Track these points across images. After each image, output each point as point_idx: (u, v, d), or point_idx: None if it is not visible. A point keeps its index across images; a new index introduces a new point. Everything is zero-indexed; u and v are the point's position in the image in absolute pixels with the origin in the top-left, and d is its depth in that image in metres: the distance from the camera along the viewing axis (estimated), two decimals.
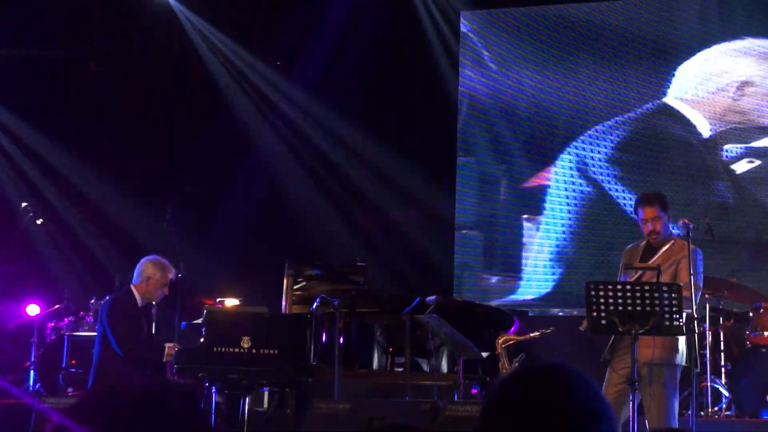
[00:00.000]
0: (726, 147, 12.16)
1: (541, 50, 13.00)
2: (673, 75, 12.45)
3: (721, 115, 12.23)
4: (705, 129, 12.27)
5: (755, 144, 12.07)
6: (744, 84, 12.18)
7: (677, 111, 12.39)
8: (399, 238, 13.32)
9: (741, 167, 12.08)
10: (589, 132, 12.69)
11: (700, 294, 7.89)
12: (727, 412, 9.65)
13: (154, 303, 9.00)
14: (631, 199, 12.15)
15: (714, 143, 12.24)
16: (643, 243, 7.96)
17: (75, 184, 13.65)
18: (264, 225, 13.73)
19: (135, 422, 2.03)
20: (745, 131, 12.16)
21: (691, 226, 7.90)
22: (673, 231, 8.15)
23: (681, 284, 7.25)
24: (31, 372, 11.22)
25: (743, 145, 12.11)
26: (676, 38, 12.49)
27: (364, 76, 13.65)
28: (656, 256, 7.77)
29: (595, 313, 7.06)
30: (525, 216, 12.91)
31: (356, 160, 13.67)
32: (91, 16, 13.95)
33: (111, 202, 13.55)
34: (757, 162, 12.05)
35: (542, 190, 12.85)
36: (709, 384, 9.66)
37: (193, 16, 13.95)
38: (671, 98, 12.44)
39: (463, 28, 13.34)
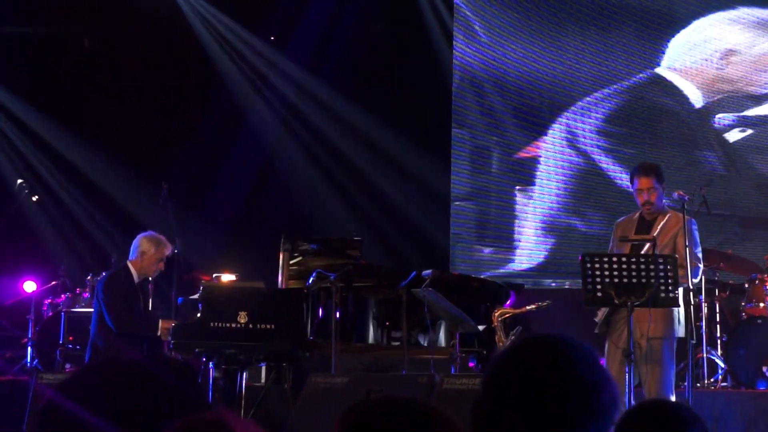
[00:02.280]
0: (717, 116, 12.19)
1: (534, 22, 12.99)
2: (665, 45, 12.45)
3: (710, 84, 12.25)
4: (696, 98, 12.28)
5: (747, 113, 12.08)
6: (729, 52, 12.17)
7: (668, 81, 12.41)
8: (394, 211, 13.33)
9: (733, 136, 12.10)
10: (580, 103, 12.71)
11: (701, 266, 7.90)
12: (723, 383, 9.69)
13: (150, 279, 9.01)
14: (622, 170, 12.20)
15: (705, 113, 12.26)
16: (636, 215, 7.95)
17: (70, 160, 13.64)
18: (259, 200, 13.73)
19: (129, 397, 2.03)
20: (735, 100, 12.18)
21: (686, 198, 7.92)
22: (667, 203, 8.14)
23: (677, 256, 7.26)
24: (29, 348, 11.23)
25: (735, 114, 12.12)
26: (665, 8, 12.48)
27: (357, 50, 13.62)
28: (653, 230, 7.76)
29: (590, 286, 7.08)
30: (518, 187, 12.93)
31: (350, 133, 13.66)
32: None
33: (106, 178, 13.54)
34: (749, 131, 12.06)
35: (534, 161, 12.87)
36: (705, 355, 9.69)
37: None
38: (662, 68, 12.45)
39: (456, 1, 13.31)
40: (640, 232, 7.80)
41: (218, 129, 13.87)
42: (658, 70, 12.46)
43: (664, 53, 12.45)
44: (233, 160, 13.72)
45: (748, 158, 12.08)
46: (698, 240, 7.85)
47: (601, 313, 7.68)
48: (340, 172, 13.63)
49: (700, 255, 7.86)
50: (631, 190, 8.13)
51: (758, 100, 12.05)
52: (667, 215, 7.86)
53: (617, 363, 7.44)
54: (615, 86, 12.60)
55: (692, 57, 12.33)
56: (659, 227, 7.77)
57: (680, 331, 7.64)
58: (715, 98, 12.20)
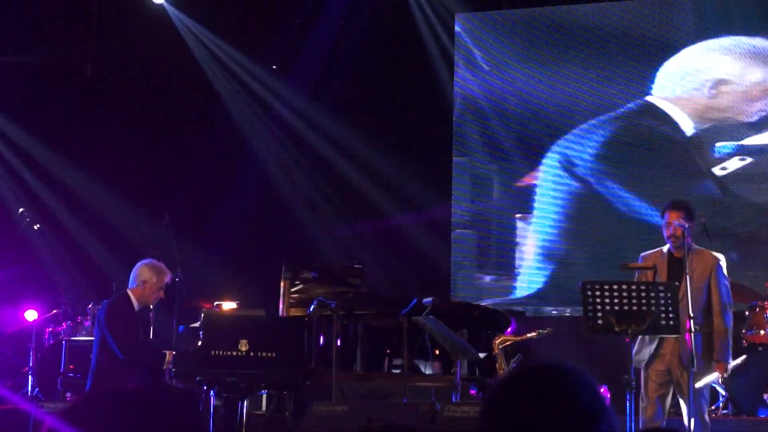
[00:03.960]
0: (714, 145, 12.20)
1: (534, 50, 13.05)
2: (656, 74, 12.51)
3: (702, 112, 12.29)
4: (688, 127, 12.32)
5: (744, 142, 12.10)
6: (719, 82, 12.23)
7: (661, 109, 12.46)
8: (395, 239, 13.34)
9: (733, 164, 12.12)
10: (578, 130, 12.74)
11: (731, 313, 7.94)
12: (725, 411, 9.68)
13: (151, 307, 9.00)
14: (621, 197, 12.25)
15: (700, 141, 12.29)
16: (666, 250, 7.94)
17: (72, 188, 13.66)
18: (261, 228, 13.74)
19: (130, 426, 2.03)
20: (730, 129, 12.21)
21: (686, 225, 7.93)
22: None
23: (677, 284, 7.28)
24: (30, 377, 11.22)
25: (733, 143, 12.15)
26: (661, 38, 12.54)
27: (359, 78, 13.67)
28: (687, 269, 7.71)
29: (591, 313, 7.08)
30: (518, 215, 12.95)
31: (352, 161, 13.68)
32: (87, 21, 13.96)
33: (108, 206, 13.56)
34: (749, 159, 12.08)
35: (534, 188, 12.89)
36: None
37: (189, 21, 13.96)
38: (655, 97, 12.49)
39: (457, 29, 13.37)
40: (672, 269, 7.80)
41: (220, 157, 13.90)
42: (653, 99, 12.51)
43: (653, 81, 12.51)
44: (235, 188, 13.74)
45: (744, 186, 12.10)
46: (728, 283, 7.92)
47: (641, 344, 7.70)
48: (342, 199, 13.66)
49: (730, 298, 7.93)
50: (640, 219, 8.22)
51: (752, 128, 12.09)
52: (700, 254, 7.87)
53: (654, 393, 7.63)
54: (614, 113, 12.64)
55: (685, 86, 12.39)
56: (694, 267, 7.77)
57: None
58: (707, 126, 12.25)
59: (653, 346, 7.70)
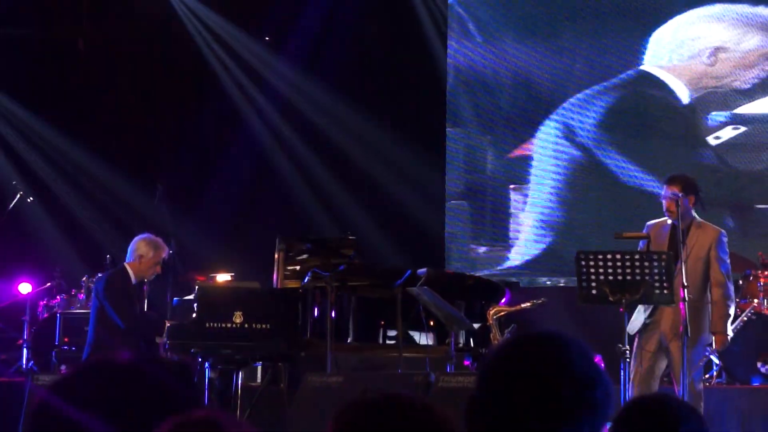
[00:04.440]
0: (710, 113, 12.19)
1: (527, 20, 13.02)
2: (649, 42, 12.48)
3: (697, 80, 12.27)
4: (684, 95, 12.31)
5: (738, 110, 12.10)
6: (717, 50, 12.20)
7: (657, 77, 12.44)
8: (389, 210, 13.33)
9: (726, 134, 12.12)
10: (573, 100, 12.71)
11: (732, 286, 7.96)
12: (718, 380, 9.71)
13: (145, 280, 9.01)
14: (616, 167, 12.28)
15: (696, 109, 12.28)
16: (669, 222, 7.96)
17: (65, 161, 13.64)
18: (254, 200, 13.73)
19: (123, 397, 2.03)
20: (725, 96, 12.20)
21: (680, 195, 7.94)
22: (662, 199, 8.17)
23: (669, 253, 7.30)
24: (24, 350, 11.22)
25: (727, 112, 12.14)
26: (654, 5, 12.51)
27: (352, 50, 13.63)
28: (688, 240, 7.74)
29: (585, 283, 7.10)
30: (512, 186, 12.94)
31: (345, 133, 13.65)
32: None
33: (102, 179, 13.54)
34: (743, 128, 12.08)
35: (528, 158, 12.88)
36: None
37: None
38: (650, 65, 12.47)
39: (450, 0, 13.33)
40: (672, 240, 7.81)
41: (213, 130, 13.88)
42: (648, 67, 12.48)
43: (649, 50, 12.48)
44: (228, 161, 13.72)
45: (739, 155, 12.11)
46: (728, 257, 7.94)
47: (636, 313, 7.72)
48: (335, 171, 13.63)
49: (729, 272, 7.95)
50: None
51: (746, 96, 12.07)
52: (701, 227, 7.88)
53: (647, 361, 7.62)
54: (609, 83, 12.61)
55: (681, 54, 12.37)
56: (695, 239, 7.79)
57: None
58: (704, 94, 12.23)
59: (646, 314, 7.72)
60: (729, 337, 7.91)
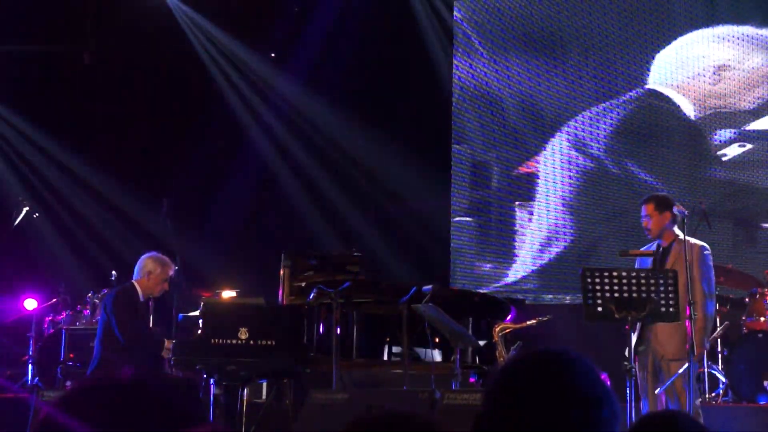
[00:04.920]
0: (717, 130, 12.21)
1: (533, 38, 13.04)
2: (655, 60, 12.52)
3: (703, 100, 12.30)
4: (690, 112, 12.34)
5: (747, 127, 12.11)
6: (721, 68, 12.23)
7: (663, 95, 12.47)
8: (394, 227, 13.33)
9: (732, 151, 12.13)
10: (579, 117, 12.75)
11: (713, 303, 7.97)
12: (725, 398, 9.68)
13: (151, 297, 9.03)
14: (621, 184, 12.30)
15: (701, 127, 12.31)
16: (655, 243, 8.10)
17: (70, 177, 13.65)
18: (259, 216, 13.73)
19: (128, 413, 2.03)
20: (731, 115, 12.22)
21: (685, 213, 7.95)
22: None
23: (676, 271, 7.29)
24: (30, 366, 11.22)
25: (733, 129, 12.16)
26: (658, 25, 12.54)
27: (357, 66, 13.64)
28: (668, 258, 7.85)
29: (591, 300, 7.08)
30: (517, 202, 12.95)
31: (351, 150, 13.66)
32: (85, 10, 13.93)
33: (107, 195, 13.55)
34: (749, 146, 12.09)
35: (533, 175, 12.90)
36: (706, 370, 9.69)
37: (187, 8, 13.94)
38: (654, 84, 12.50)
39: (456, 15, 13.35)
40: (656, 259, 7.91)
41: (218, 145, 13.89)
42: (653, 85, 12.51)
43: (654, 68, 12.53)
44: (233, 177, 13.72)
45: (747, 172, 12.11)
46: (713, 276, 7.95)
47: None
48: (340, 187, 13.64)
49: (713, 290, 7.96)
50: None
51: (754, 114, 12.10)
52: (679, 242, 7.92)
53: (647, 382, 7.73)
54: (614, 101, 12.64)
55: (685, 73, 12.41)
56: (675, 256, 7.86)
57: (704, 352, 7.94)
58: (710, 113, 12.26)
59: (635, 339, 7.76)
60: (703, 351, 7.98)
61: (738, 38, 12.26)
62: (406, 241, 13.22)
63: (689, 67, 12.42)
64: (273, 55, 14.03)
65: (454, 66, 13.31)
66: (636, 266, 8.12)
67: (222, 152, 13.92)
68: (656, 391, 7.59)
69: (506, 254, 12.93)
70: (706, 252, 7.96)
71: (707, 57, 12.34)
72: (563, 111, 12.83)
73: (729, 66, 12.23)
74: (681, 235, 7.93)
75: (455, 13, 13.39)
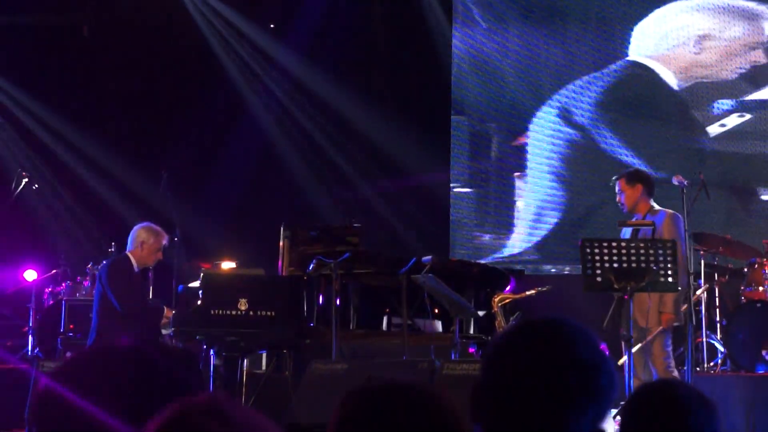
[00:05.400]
0: (707, 100, 12.23)
1: (529, 7, 13.02)
2: (643, 30, 12.53)
3: (685, 69, 12.31)
4: (674, 83, 12.35)
5: (738, 98, 12.12)
6: (702, 38, 12.24)
7: (649, 66, 12.49)
8: (394, 198, 13.34)
9: (729, 121, 12.13)
10: (573, 86, 12.74)
11: (685, 271, 8.04)
12: (723, 367, 9.71)
13: (150, 267, 9.03)
14: (619, 152, 12.32)
15: (687, 96, 12.33)
16: (634, 218, 8.22)
17: (70, 149, 13.64)
18: (259, 188, 13.73)
19: (127, 382, 2.03)
20: (716, 85, 12.22)
21: (685, 183, 7.98)
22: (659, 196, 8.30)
23: (675, 241, 7.31)
24: (30, 337, 11.24)
25: (727, 100, 12.16)
26: None
27: (356, 38, 13.62)
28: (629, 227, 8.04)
29: (590, 271, 7.09)
30: (517, 173, 12.95)
31: (350, 121, 13.64)
32: None
33: (106, 167, 13.54)
34: (747, 116, 12.09)
35: (531, 145, 12.89)
36: (704, 339, 9.72)
37: None
38: (636, 55, 12.52)
39: None
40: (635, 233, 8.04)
41: (218, 117, 13.87)
42: (636, 57, 12.53)
43: (640, 38, 12.54)
44: (233, 149, 13.71)
45: (737, 141, 12.12)
46: (684, 236, 8.00)
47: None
48: (340, 159, 13.63)
49: (684, 251, 8.02)
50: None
51: (738, 84, 12.11)
52: (656, 213, 8.05)
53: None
54: (609, 69, 12.64)
55: (666, 44, 12.43)
56: (635, 225, 8.01)
57: (680, 319, 7.93)
58: (696, 83, 12.29)
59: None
60: (678, 317, 8.00)
61: (717, 8, 12.28)
62: (406, 211, 13.22)
63: (670, 38, 12.43)
64: (272, 26, 13.99)
65: (453, 35, 13.28)
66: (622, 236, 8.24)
67: (222, 124, 13.90)
68: (619, 362, 7.57)
69: (506, 225, 12.94)
70: (678, 221, 8.05)
71: (687, 27, 12.36)
72: (562, 80, 12.82)
73: (710, 36, 12.23)
74: (656, 206, 8.06)
75: None
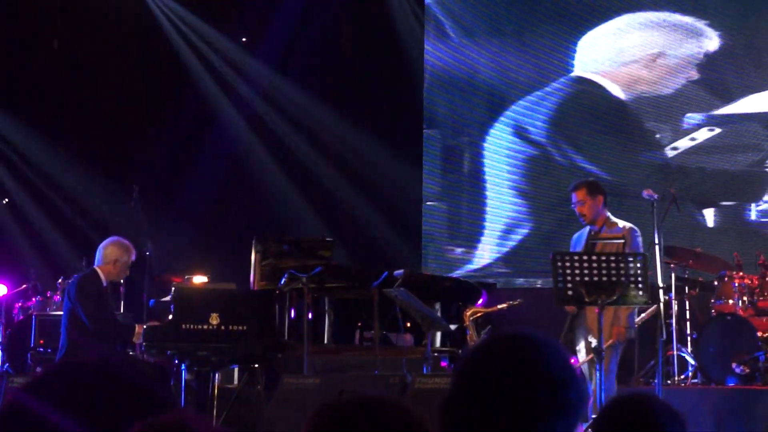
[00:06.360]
0: (686, 115, 12.30)
1: (501, 22, 13.09)
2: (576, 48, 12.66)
3: (632, 84, 12.42)
4: (621, 97, 12.46)
5: (716, 112, 12.21)
6: (658, 55, 12.35)
7: (593, 81, 12.60)
8: (365, 212, 13.34)
9: (701, 135, 12.21)
10: (527, 102, 12.81)
11: None
12: (694, 380, 9.74)
13: (121, 281, 8.99)
14: (585, 166, 12.38)
15: (637, 110, 12.43)
16: (587, 228, 8.17)
17: (40, 163, 13.58)
18: (230, 201, 13.71)
19: (95, 397, 2.02)
20: (662, 99, 12.33)
21: (655, 197, 8.02)
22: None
23: (646, 254, 7.33)
24: None
25: (701, 114, 12.24)
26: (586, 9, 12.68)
27: (328, 51, 13.63)
28: (599, 241, 7.96)
29: (561, 284, 7.10)
30: (487, 186, 12.97)
31: (321, 134, 13.66)
32: None
33: (77, 180, 13.49)
34: (718, 130, 12.18)
35: (501, 159, 12.93)
36: (675, 352, 9.74)
37: None
38: (582, 71, 12.62)
39: (427, 1, 13.35)
40: (588, 242, 8.02)
41: (188, 131, 13.85)
42: (583, 73, 12.64)
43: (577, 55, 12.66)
44: (203, 162, 13.69)
45: (699, 156, 12.21)
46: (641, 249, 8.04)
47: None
48: (311, 173, 13.63)
49: None
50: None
51: (687, 99, 12.23)
52: (615, 226, 8.04)
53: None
54: (570, 82, 12.73)
55: (612, 60, 12.54)
56: (606, 238, 7.98)
57: (631, 333, 7.87)
58: (642, 97, 12.40)
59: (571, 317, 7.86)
60: (631, 331, 7.98)
61: (665, 25, 12.39)
62: (378, 225, 13.23)
63: (615, 54, 12.55)
64: (244, 39, 13.98)
65: (425, 50, 13.31)
66: (571, 249, 8.22)
67: (192, 138, 13.87)
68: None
69: (477, 238, 12.95)
70: (635, 234, 8.06)
71: (634, 44, 12.49)
72: (533, 93, 12.87)
73: (660, 52, 12.35)
74: (612, 218, 8.07)
75: None
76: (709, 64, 12.16)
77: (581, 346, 7.97)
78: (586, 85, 12.65)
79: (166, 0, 13.89)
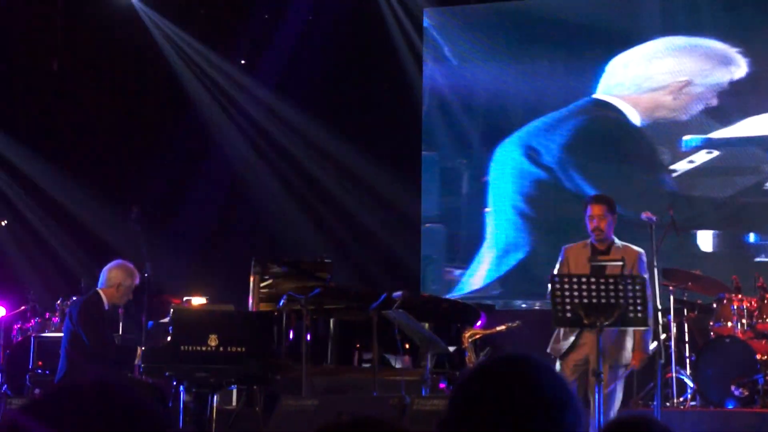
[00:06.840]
0: (684, 138, 12.31)
1: (500, 46, 13.12)
2: (613, 69, 12.63)
3: (652, 110, 12.41)
4: (642, 121, 12.46)
5: (708, 135, 12.22)
6: (686, 84, 12.35)
7: (614, 105, 12.59)
8: (365, 233, 13.35)
9: (698, 158, 12.22)
10: (542, 123, 12.81)
11: (652, 303, 8.00)
12: (692, 403, 9.73)
13: (119, 306, 8.99)
14: (586, 188, 12.35)
15: (653, 136, 12.42)
16: (588, 244, 8.02)
17: (38, 184, 13.59)
18: (229, 223, 13.71)
19: (93, 420, 2.02)
20: (682, 124, 12.32)
21: (654, 219, 8.01)
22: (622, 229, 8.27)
23: (644, 276, 7.32)
24: None
25: (701, 136, 12.25)
26: (623, 32, 12.65)
27: (327, 73, 13.66)
28: (609, 263, 7.87)
29: (560, 306, 7.09)
30: (487, 209, 12.99)
31: (320, 156, 13.67)
32: (54, 15, 13.87)
33: (76, 201, 13.49)
34: (716, 152, 12.18)
35: (500, 182, 12.94)
36: (674, 375, 9.73)
37: (156, 16, 13.91)
38: (602, 94, 12.62)
39: (426, 24, 13.40)
40: (595, 268, 7.90)
41: (188, 152, 13.86)
42: (603, 96, 12.63)
43: (611, 77, 12.64)
44: (203, 184, 13.70)
45: (702, 181, 12.21)
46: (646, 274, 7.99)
47: (562, 335, 7.80)
48: (310, 194, 13.64)
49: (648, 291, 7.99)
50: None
51: (705, 124, 12.22)
52: (620, 247, 7.95)
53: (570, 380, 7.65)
54: (577, 107, 12.72)
55: (635, 85, 12.53)
56: (612, 260, 7.89)
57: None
58: (660, 122, 12.39)
59: (572, 338, 7.77)
60: (646, 357, 7.95)
61: (698, 51, 12.38)
62: (377, 247, 13.23)
63: (639, 79, 12.54)
64: (243, 62, 14.02)
65: (424, 72, 13.35)
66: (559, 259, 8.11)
67: (191, 158, 13.89)
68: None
69: (477, 260, 12.96)
70: (644, 258, 7.98)
71: (658, 70, 12.47)
72: (533, 117, 12.89)
73: (687, 81, 12.35)
74: (617, 241, 7.97)
75: (425, 21, 13.44)
76: (732, 91, 12.15)
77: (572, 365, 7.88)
78: (601, 108, 12.63)
79: (165, 22, 13.93)
